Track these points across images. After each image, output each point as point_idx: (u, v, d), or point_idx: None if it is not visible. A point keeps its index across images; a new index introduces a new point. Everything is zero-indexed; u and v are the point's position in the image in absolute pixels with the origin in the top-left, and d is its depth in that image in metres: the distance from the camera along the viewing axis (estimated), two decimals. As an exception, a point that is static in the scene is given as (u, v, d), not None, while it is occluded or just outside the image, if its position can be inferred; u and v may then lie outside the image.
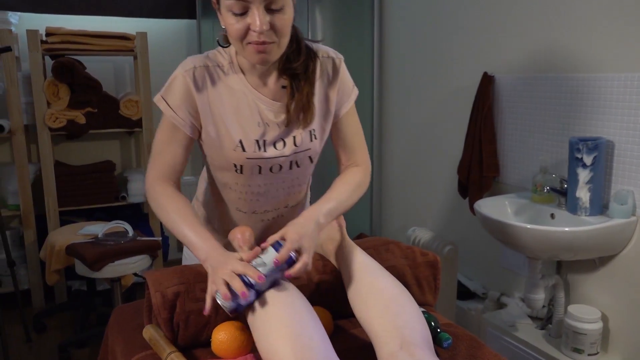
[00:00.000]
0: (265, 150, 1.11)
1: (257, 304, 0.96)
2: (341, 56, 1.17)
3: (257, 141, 1.10)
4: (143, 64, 3.01)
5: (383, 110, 3.16)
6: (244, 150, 1.10)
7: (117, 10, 3.13)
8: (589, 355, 1.85)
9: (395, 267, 1.21)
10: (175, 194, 1.10)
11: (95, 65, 3.06)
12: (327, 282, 1.16)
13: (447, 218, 2.73)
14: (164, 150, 1.12)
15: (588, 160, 1.78)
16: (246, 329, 1.02)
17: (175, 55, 3.32)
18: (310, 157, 1.17)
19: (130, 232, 2.45)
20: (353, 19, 3.16)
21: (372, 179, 1.22)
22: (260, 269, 0.96)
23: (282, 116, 1.11)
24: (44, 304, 2.95)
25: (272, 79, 1.11)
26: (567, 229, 1.72)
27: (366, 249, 1.19)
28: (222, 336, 1.01)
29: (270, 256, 0.98)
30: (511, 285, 2.35)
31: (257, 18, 0.95)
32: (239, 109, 1.10)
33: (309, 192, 1.35)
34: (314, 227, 1.04)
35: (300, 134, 1.12)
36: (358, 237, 1.35)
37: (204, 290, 1.07)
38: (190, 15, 3.31)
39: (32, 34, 2.74)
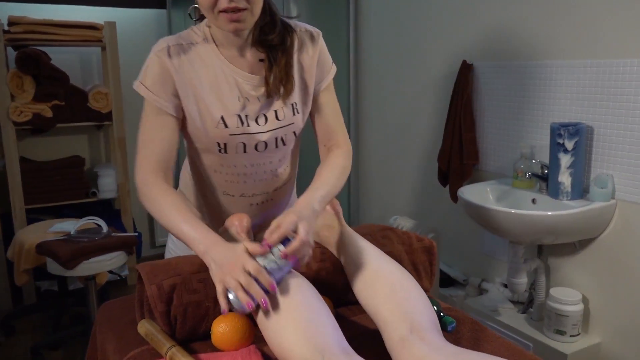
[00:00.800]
0: (248, 125, 1.09)
1: None
2: (319, 31, 1.16)
3: (239, 116, 1.08)
4: (112, 55, 2.91)
5: (360, 99, 3.15)
6: (226, 126, 1.08)
7: (84, -1, 3.01)
8: (570, 336, 1.90)
9: (393, 253, 1.19)
10: (169, 189, 1.05)
11: (60, 57, 2.94)
12: (327, 269, 1.14)
13: (426, 207, 2.74)
14: (152, 138, 1.07)
15: (569, 145, 1.82)
16: (248, 320, 0.99)
17: (145, 46, 3.15)
18: (294, 132, 1.15)
19: (105, 229, 2.37)
20: (329, 7, 3.14)
21: (351, 167, 1.21)
22: (263, 261, 0.93)
23: (261, 89, 1.09)
24: (12, 305, 2.83)
25: (248, 52, 1.09)
26: (550, 212, 1.75)
27: (363, 235, 1.17)
28: (223, 328, 0.98)
29: (278, 254, 0.94)
30: (492, 271, 2.39)
31: None
32: (217, 84, 1.07)
33: (295, 180, 1.33)
34: (311, 214, 1.02)
35: (281, 107, 1.11)
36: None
37: (201, 281, 1.04)
38: (161, 4, 3.21)
39: (-7, 23, 2.61)
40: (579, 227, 1.82)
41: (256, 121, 1.10)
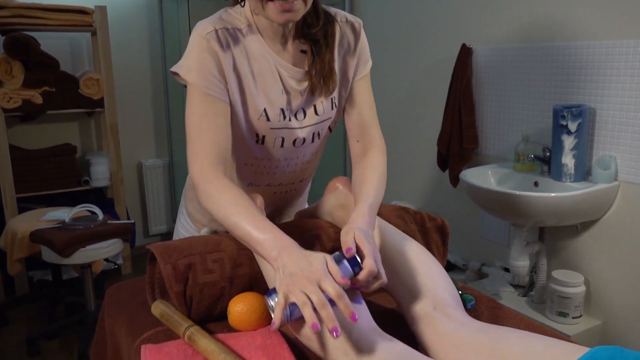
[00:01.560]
0: (290, 120, 1.05)
1: None
2: (360, 20, 1.11)
3: (283, 110, 1.04)
4: (103, 40, 2.85)
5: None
6: (268, 119, 1.03)
7: (72, -17, 2.94)
8: (573, 318, 1.91)
9: (407, 232, 1.18)
10: (231, 186, 0.93)
11: (49, 42, 2.87)
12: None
13: (425, 191, 2.73)
14: (206, 126, 0.96)
15: (573, 127, 1.81)
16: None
17: (136, 31, 3.15)
18: (329, 127, 1.13)
19: (100, 216, 2.33)
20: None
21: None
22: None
23: (304, 84, 1.04)
24: (4, 296, 2.77)
25: (290, 43, 1.04)
26: (553, 194, 1.75)
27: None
28: (241, 308, 0.95)
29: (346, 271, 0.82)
30: (491, 255, 2.39)
31: None
32: (261, 75, 1.02)
33: None
34: (371, 229, 0.93)
35: (321, 102, 1.07)
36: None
37: (216, 260, 1.01)
38: (152, -11, 3.15)
39: (-20, 6, 2.53)
40: (582, 208, 1.82)
41: (295, 116, 1.06)
